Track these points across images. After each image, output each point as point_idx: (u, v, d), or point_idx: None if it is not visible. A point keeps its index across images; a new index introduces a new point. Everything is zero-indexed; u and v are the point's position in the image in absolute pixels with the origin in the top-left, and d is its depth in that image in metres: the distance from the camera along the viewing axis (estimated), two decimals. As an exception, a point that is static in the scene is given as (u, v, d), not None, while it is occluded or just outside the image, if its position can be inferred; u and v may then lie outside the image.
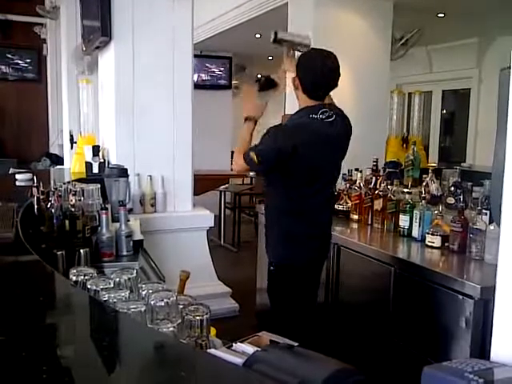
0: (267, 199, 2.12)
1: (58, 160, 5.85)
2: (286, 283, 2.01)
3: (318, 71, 1.95)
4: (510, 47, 1.04)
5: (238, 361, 0.92)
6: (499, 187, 1.07)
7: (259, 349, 0.99)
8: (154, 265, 2.40)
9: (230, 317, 3.36)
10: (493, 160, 1.24)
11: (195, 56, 4.22)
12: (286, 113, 3.45)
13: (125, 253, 2.25)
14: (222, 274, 3.63)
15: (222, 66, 6.94)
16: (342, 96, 3.95)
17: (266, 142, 1.91)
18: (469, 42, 5.36)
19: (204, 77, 6.86)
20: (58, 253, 1.83)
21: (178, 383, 0.76)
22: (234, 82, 7.38)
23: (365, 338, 2.33)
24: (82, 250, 1.93)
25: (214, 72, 6.92)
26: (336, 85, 2.00)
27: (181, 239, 3.27)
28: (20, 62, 6.93)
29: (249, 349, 1.00)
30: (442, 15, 4.44)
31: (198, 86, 5.37)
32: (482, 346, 1.74)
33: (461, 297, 1.81)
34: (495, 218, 1.64)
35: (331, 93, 2.06)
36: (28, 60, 6.95)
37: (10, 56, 6.88)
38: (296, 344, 1.02)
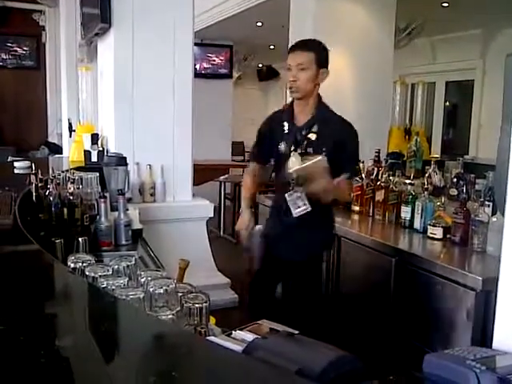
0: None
1: (56, 149, 5.82)
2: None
3: None
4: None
5: (238, 348, 0.91)
6: (504, 175, 1.05)
7: (259, 336, 0.98)
8: (152, 254, 2.38)
9: (229, 308, 3.35)
10: (497, 148, 1.22)
11: (196, 44, 4.18)
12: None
13: (123, 242, 2.22)
14: (221, 264, 3.62)
15: (223, 54, 6.88)
16: (344, 87, 3.97)
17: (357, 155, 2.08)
18: (473, 33, 5.31)
19: (205, 65, 6.81)
20: (57, 241, 1.81)
21: (177, 370, 0.75)
22: (235, 73, 7.32)
23: (365, 329, 2.32)
24: (80, 239, 1.91)
25: (214, 61, 6.86)
26: None
27: (180, 229, 3.25)
28: (18, 49, 6.86)
29: (248, 336, 0.98)
30: (447, 5, 4.40)
31: (198, 74, 5.32)
32: (483, 338, 1.73)
33: (462, 288, 1.80)
34: (499, 208, 1.62)
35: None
36: (26, 47, 6.88)
37: (8, 43, 6.82)
38: (296, 332, 1.01)
